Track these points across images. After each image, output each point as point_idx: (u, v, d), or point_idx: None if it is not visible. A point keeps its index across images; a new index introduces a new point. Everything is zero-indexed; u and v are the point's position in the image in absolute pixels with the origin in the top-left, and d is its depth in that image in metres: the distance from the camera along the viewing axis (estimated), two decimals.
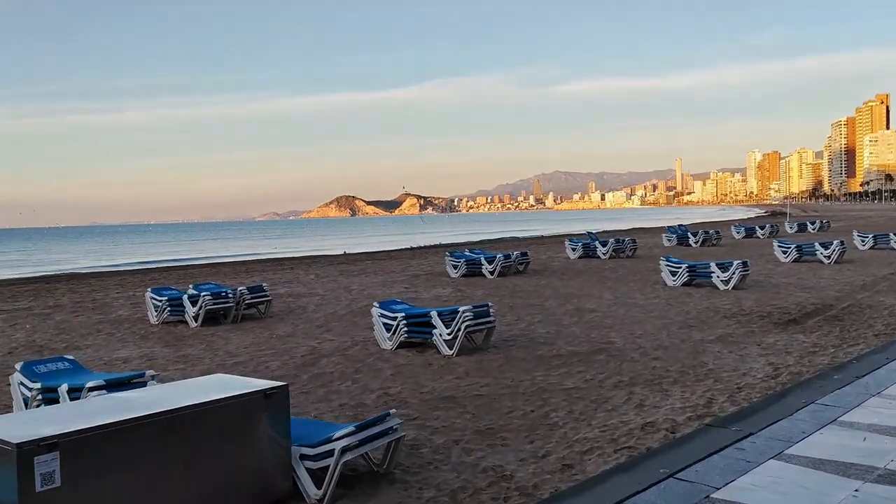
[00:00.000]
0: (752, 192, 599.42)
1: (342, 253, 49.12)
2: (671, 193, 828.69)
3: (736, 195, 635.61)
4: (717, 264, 17.70)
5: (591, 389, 8.79)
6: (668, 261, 18.55)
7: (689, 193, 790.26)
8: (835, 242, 22.99)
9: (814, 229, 44.76)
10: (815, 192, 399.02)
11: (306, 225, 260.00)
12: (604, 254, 27.10)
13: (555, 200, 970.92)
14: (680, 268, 18.18)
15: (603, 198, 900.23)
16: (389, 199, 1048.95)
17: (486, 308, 11.00)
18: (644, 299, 16.22)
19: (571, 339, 11.85)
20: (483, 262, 21.38)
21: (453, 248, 39.79)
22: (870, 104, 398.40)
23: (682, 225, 39.93)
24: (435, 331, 10.85)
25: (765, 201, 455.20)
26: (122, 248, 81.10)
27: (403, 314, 11.22)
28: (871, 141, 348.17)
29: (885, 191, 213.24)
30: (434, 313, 10.92)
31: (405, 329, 11.13)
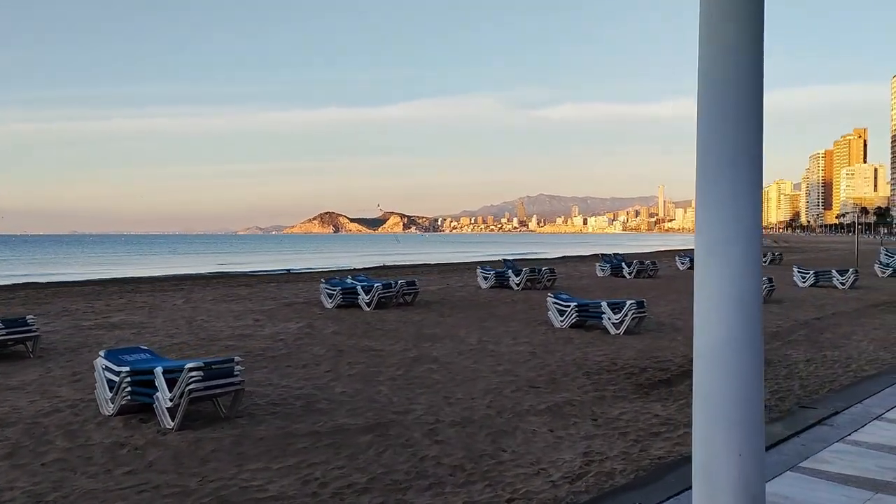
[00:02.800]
0: None
1: (286, 271, 47.24)
2: (653, 220, 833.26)
3: None
4: (609, 304, 15.17)
5: (295, 500, 6.12)
6: (556, 298, 16.00)
7: (670, 220, 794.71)
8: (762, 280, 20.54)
9: (765, 262, 42.47)
10: (792, 223, 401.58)
11: (283, 240, 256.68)
12: (516, 284, 24.52)
13: (538, 223, 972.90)
14: (569, 307, 15.62)
15: (585, 222, 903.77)
16: (373, 217, 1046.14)
17: (228, 365, 8.32)
18: (511, 345, 13.62)
19: (361, 405, 9.18)
20: (360, 291, 18.73)
21: (381, 274, 37.39)
22: (847, 138, 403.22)
23: (617, 254, 37.42)
24: (157, 395, 8.16)
25: None
26: (64, 260, 77.58)
27: (128, 369, 8.51)
28: (847, 174, 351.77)
29: (860, 223, 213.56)
30: (159, 370, 8.22)
31: (128, 389, 8.43)
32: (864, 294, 23.44)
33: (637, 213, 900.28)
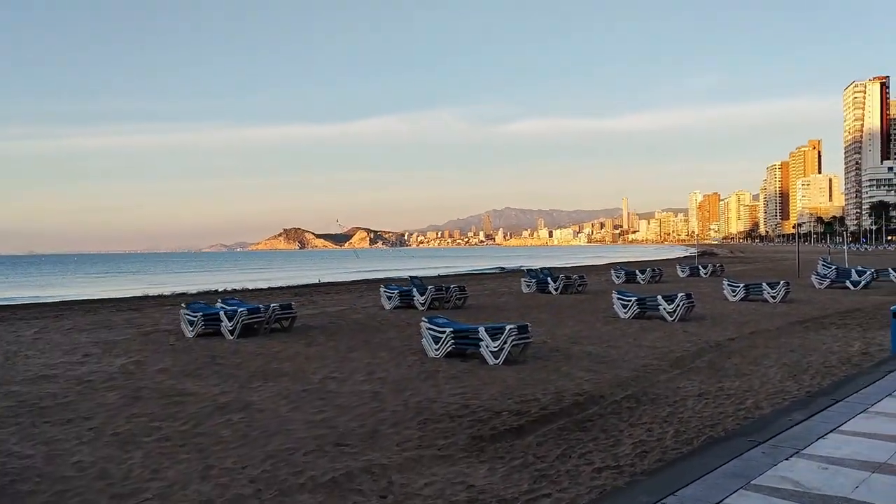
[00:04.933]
0: (693, 232, 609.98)
1: (220, 290, 44.59)
2: (617, 232, 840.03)
3: (678, 234, 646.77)
4: (487, 329, 13.11)
5: None
6: (430, 323, 13.88)
7: (634, 232, 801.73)
8: (679, 296, 18.73)
9: (706, 274, 41.08)
10: (751, 232, 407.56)
11: (245, 257, 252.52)
12: (421, 304, 22.41)
13: (504, 236, 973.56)
14: (444, 333, 13.52)
15: (551, 234, 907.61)
16: (339, 233, 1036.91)
17: None
18: (360, 382, 11.45)
19: (79, 484, 6.92)
20: (223, 318, 16.41)
21: (305, 293, 35.32)
22: (802, 149, 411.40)
23: (544, 268, 35.46)
24: None
25: (705, 241, 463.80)
26: None
27: None
28: (803, 184, 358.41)
29: (815, 233, 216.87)
30: None
31: None
32: (794, 308, 21.77)
33: (602, 225, 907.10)
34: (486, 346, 12.96)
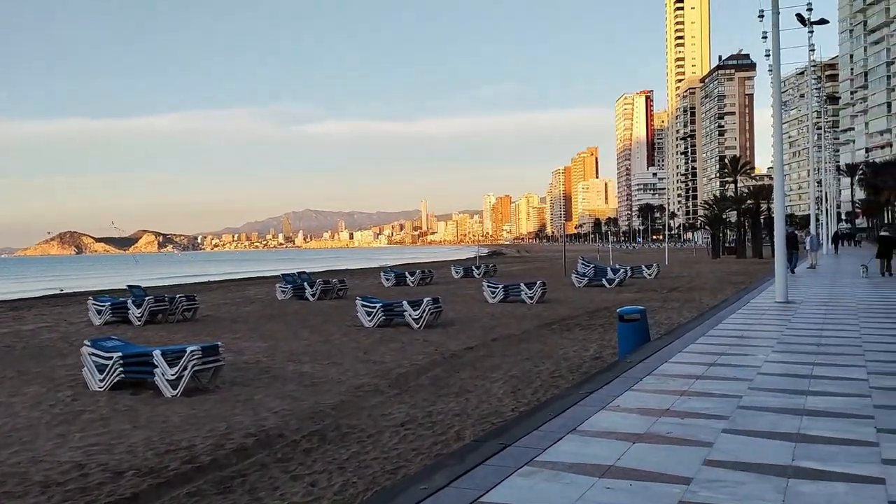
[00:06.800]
0: (488, 233, 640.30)
1: None
2: (417, 233, 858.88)
3: (474, 235, 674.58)
4: (164, 353, 10.49)
5: None
6: (94, 347, 10.95)
7: (432, 233, 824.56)
8: (425, 301, 17.28)
9: (478, 274, 41.11)
10: (539, 233, 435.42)
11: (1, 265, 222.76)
12: (138, 318, 19.08)
13: (305, 239, 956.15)
14: (110, 359, 10.67)
15: (352, 237, 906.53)
16: (123, 237, 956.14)
17: None
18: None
19: None
20: None
21: (24, 306, 30.13)
22: (582, 155, 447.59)
23: (303, 272, 33.25)
24: None
25: (498, 241, 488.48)
26: None
27: None
28: (583, 188, 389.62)
29: (592, 233, 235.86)
30: None
31: None
32: (548, 309, 21.34)
33: (402, 227, 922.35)
34: (163, 374, 10.33)
